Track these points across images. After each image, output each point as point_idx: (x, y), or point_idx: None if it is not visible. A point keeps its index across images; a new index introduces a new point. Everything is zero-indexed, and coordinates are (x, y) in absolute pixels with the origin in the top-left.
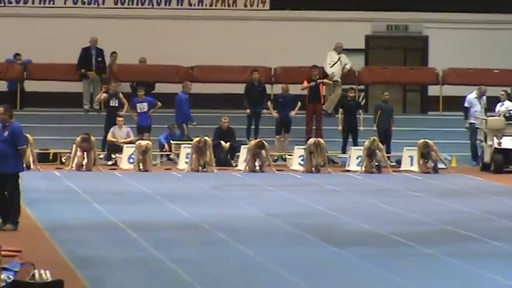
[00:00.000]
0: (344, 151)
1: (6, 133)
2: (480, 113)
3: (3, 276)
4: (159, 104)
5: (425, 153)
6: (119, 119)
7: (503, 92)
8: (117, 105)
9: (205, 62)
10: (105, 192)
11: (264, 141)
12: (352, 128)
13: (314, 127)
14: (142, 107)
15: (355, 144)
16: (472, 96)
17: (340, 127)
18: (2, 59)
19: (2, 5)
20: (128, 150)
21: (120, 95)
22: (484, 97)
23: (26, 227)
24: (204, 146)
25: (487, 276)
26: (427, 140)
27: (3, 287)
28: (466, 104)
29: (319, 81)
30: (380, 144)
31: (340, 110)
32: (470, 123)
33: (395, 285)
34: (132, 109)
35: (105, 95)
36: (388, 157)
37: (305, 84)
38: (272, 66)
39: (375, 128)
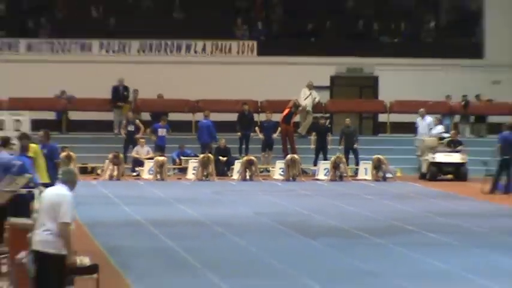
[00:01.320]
0: (315, 164)
1: (45, 151)
2: (423, 130)
3: None
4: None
5: (377, 166)
6: (141, 140)
7: (435, 119)
8: (133, 129)
9: (208, 96)
10: (131, 197)
11: (253, 158)
12: (323, 147)
13: (289, 146)
14: (162, 131)
15: (325, 159)
16: (418, 119)
17: (312, 146)
18: (51, 94)
19: (52, 53)
20: (148, 164)
21: (137, 121)
22: (428, 118)
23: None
24: (208, 161)
25: (426, 261)
26: (379, 156)
27: None
28: (416, 125)
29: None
30: (343, 159)
31: (313, 133)
32: (417, 139)
33: (354, 267)
34: (153, 132)
35: (125, 122)
36: (349, 168)
37: (286, 111)
38: (259, 99)
39: (340, 147)
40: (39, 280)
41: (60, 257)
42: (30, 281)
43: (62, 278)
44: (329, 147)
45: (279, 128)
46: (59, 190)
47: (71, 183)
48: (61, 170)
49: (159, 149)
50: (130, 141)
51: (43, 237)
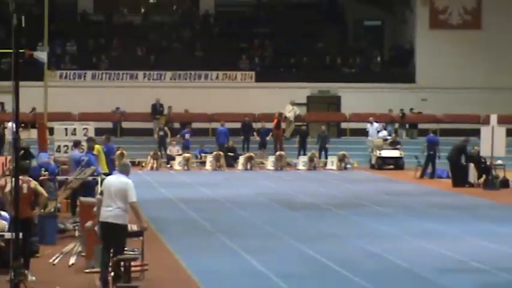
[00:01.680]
0: (297, 158)
1: (105, 149)
2: (372, 133)
3: None
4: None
5: (342, 159)
6: (173, 142)
7: (381, 126)
8: (163, 134)
9: (220, 110)
10: (165, 182)
11: (252, 154)
12: (303, 146)
13: (278, 146)
14: (188, 135)
15: (304, 154)
16: (368, 125)
17: (296, 145)
18: (109, 110)
19: (110, 80)
20: (178, 159)
21: (165, 128)
22: (375, 124)
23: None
24: (219, 156)
25: (374, 226)
26: (344, 152)
27: None
28: (367, 129)
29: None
30: (317, 154)
31: (298, 136)
32: (368, 139)
33: (324, 230)
34: (181, 136)
35: (157, 129)
36: (321, 161)
37: (275, 121)
38: (256, 112)
39: (316, 146)
40: (111, 243)
41: (125, 226)
42: (98, 242)
43: (125, 240)
44: (307, 146)
45: (271, 133)
46: (123, 178)
47: (127, 172)
48: (120, 164)
49: (186, 148)
50: (162, 143)
51: (115, 213)
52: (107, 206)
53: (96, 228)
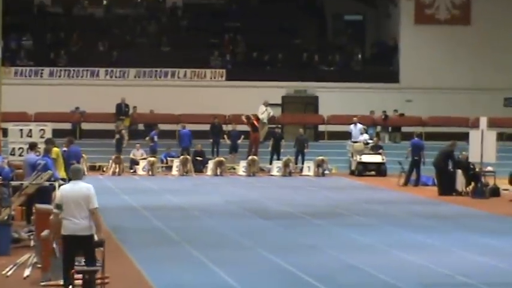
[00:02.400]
0: (270, 163)
1: (65, 153)
2: (356, 135)
3: None
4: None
5: (320, 164)
6: (137, 145)
7: (362, 129)
8: (119, 137)
9: (188, 111)
10: (128, 188)
11: (222, 159)
12: (277, 150)
13: (253, 150)
14: (157, 138)
15: (278, 159)
16: (352, 125)
17: (270, 149)
18: (68, 110)
19: (69, 78)
20: (142, 163)
21: (122, 131)
22: (359, 126)
23: None
24: (186, 161)
25: (353, 236)
26: (322, 157)
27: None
28: (349, 130)
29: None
30: (292, 159)
31: (271, 140)
32: (352, 140)
33: (299, 241)
34: (150, 138)
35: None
36: (297, 167)
37: (244, 120)
38: (226, 114)
39: (294, 150)
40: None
41: (92, 236)
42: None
43: (94, 251)
44: (282, 150)
45: (242, 136)
46: (82, 184)
47: (80, 177)
48: (71, 169)
49: (154, 151)
50: (118, 146)
51: (83, 225)
52: (72, 217)
53: (54, 243)
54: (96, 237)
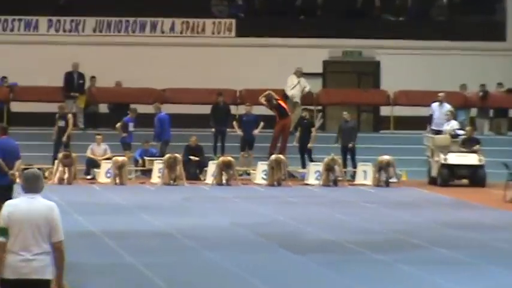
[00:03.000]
0: (304, 166)
1: None
2: (439, 120)
3: None
4: None
5: (382, 168)
6: (97, 137)
7: (449, 112)
8: (63, 125)
9: (176, 85)
10: (84, 204)
11: (230, 159)
12: (305, 146)
13: (279, 144)
14: (132, 126)
15: (311, 160)
16: (434, 104)
17: (297, 144)
18: None
19: None
20: (106, 166)
21: (69, 115)
22: (446, 105)
23: None
24: (174, 162)
25: (434, 281)
26: (387, 157)
27: None
28: (430, 112)
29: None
30: (339, 160)
31: (299, 129)
32: (432, 129)
33: None
34: (122, 126)
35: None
36: (345, 172)
37: (263, 102)
38: (237, 88)
39: (337, 145)
40: None
41: (50, 282)
42: None
43: None
44: (310, 145)
45: (262, 123)
46: (41, 201)
47: (39, 188)
48: (25, 175)
49: (127, 146)
50: (58, 140)
51: (38, 263)
52: (23, 251)
53: None
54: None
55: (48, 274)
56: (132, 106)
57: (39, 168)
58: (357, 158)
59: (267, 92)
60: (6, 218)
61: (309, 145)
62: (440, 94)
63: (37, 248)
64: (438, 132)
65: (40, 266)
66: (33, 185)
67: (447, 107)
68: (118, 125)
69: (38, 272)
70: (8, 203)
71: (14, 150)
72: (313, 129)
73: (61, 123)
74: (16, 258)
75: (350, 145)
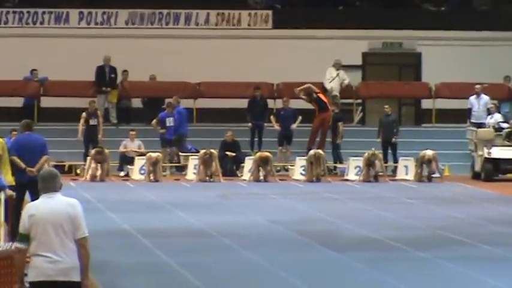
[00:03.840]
0: (336, 161)
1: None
2: (478, 113)
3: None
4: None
5: (424, 162)
6: (131, 133)
7: (492, 105)
8: (95, 123)
9: (211, 78)
10: (118, 201)
11: (268, 154)
12: (333, 140)
13: (319, 138)
14: (170, 121)
15: (337, 156)
16: (472, 97)
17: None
18: (20, 77)
19: (20, 25)
20: (139, 162)
21: (99, 112)
22: (484, 97)
23: None
24: (210, 158)
25: (479, 279)
26: (430, 151)
27: None
28: (468, 105)
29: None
30: (380, 155)
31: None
32: (471, 122)
33: (392, 287)
34: (158, 123)
35: (84, 114)
36: (386, 167)
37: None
38: (274, 82)
39: (378, 140)
40: None
41: (77, 284)
42: None
43: None
44: (339, 141)
45: (299, 118)
46: (62, 199)
47: (58, 187)
48: (41, 175)
49: (165, 143)
50: (90, 137)
51: (67, 264)
52: (49, 252)
53: None
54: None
55: (76, 276)
56: (168, 100)
57: (70, 166)
58: (398, 152)
59: (306, 85)
60: (26, 222)
61: (338, 141)
62: (477, 86)
63: (62, 248)
64: (478, 125)
65: (66, 267)
66: (50, 184)
67: (485, 99)
68: (154, 121)
69: (64, 274)
70: (28, 206)
71: (37, 146)
72: (339, 124)
73: (93, 121)
74: (42, 260)
75: (393, 140)
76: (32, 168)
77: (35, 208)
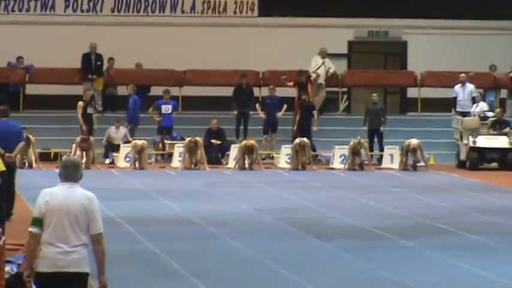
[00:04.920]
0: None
1: None
2: (463, 102)
3: (7, 268)
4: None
5: (409, 151)
6: (116, 122)
7: (477, 94)
8: (92, 112)
9: (197, 66)
10: (103, 189)
11: (253, 142)
12: (304, 130)
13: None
14: (167, 108)
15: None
16: (457, 86)
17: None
18: (3, 63)
19: (5, 12)
20: (125, 150)
21: (92, 101)
22: (469, 86)
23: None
24: (195, 146)
25: (463, 267)
26: (415, 140)
27: (7, 279)
28: (454, 94)
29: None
30: (365, 144)
31: (299, 112)
32: (457, 111)
33: (376, 275)
34: (155, 110)
35: (80, 103)
36: (372, 155)
37: (291, 83)
38: (260, 70)
39: (365, 128)
40: None
41: (88, 275)
42: None
43: None
44: (314, 128)
45: (285, 105)
46: (80, 191)
47: (77, 177)
48: (63, 162)
49: (164, 131)
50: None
51: (75, 255)
52: (61, 242)
53: (29, 283)
54: (94, 280)
55: (86, 267)
56: (165, 88)
57: (56, 153)
58: (383, 141)
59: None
60: (42, 207)
61: (314, 128)
62: (462, 75)
63: (75, 240)
64: (464, 114)
65: (78, 258)
66: (72, 173)
67: (470, 87)
68: (150, 108)
69: (76, 265)
70: (44, 191)
71: (14, 133)
72: (314, 112)
73: (89, 109)
74: (53, 250)
75: (381, 129)
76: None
77: (51, 195)
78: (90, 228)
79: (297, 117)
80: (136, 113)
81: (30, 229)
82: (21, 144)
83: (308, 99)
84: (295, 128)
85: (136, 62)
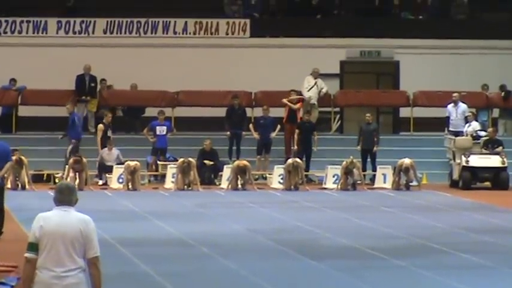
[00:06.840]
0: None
1: None
2: (456, 121)
3: None
4: (174, 130)
5: (402, 171)
6: (109, 143)
7: (470, 113)
8: (111, 135)
9: (190, 87)
10: (96, 211)
11: (246, 163)
12: (306, 150)
13: (293, 147)
14: (162, 129)
15: (307, 165)
16: (450, 106)
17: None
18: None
19: (7, 34)
20: (118, 171)
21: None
22: (462, 106)
23: (22, 244)
24: (188, 167)
25: (456, 287)
26: (408, 160)
27: None
28: (446, 114)
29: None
30: (358, 164)
31: (297, 131)
32: (449, 130)
33: None
34: (149, 131)
35: (101, 125)
36: (365, 175)
37: (286, 101)
38: (253, 90)
39: (358, 148)
40: None
41: None
42: None
43: None
44: (314, 148)
45: (278, 126)
46: (76, 215)
47: (72, 202)
48: (57, 187)
49: (159, 152)
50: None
51: (73, 279)
52: (56, 267)
53: None
54: None
55: None
56: (159, 109)
57: (49, 175)
58: (376, 161)
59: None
60: (37, 232)
61: (314, 148)
62: (454, 95)
63: (71, 264)
64: (456, 133)
65: (74, 283)
66: (66, 198)
67: (463, 107)
68: (145, 129)
69: None
70: (39, 216)
71: (3, 152)
72: (315, 133)
73: (109, 132)
74: (48, 275)
75: (374, 149)
76: None
77: (45, 219)
78: (86, 252)
79: (296, 136)
80: (79, 129)
81: (26, 254)
82: (9, 163)
83: (309, 119)
84: (295, 147)
85: (131, 83)
